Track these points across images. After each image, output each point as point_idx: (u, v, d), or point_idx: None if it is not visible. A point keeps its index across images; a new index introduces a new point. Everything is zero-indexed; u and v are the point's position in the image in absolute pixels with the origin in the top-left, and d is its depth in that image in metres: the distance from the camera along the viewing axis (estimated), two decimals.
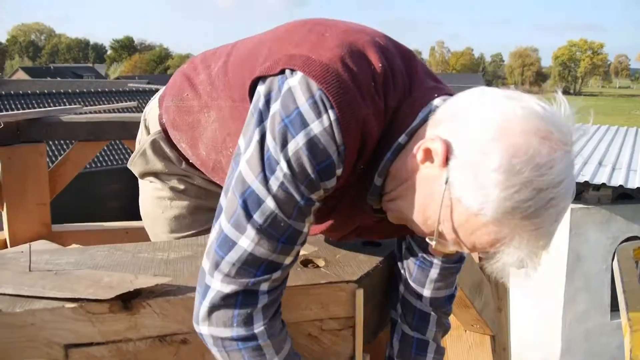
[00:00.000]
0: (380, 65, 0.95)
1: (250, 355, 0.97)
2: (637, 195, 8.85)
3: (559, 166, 0.84)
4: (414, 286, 1.22)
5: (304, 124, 0.89)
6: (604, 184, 8.64)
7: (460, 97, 0.95)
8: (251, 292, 0.95)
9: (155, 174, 1.40)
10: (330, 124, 0.89)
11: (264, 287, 0.95)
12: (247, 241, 0.93)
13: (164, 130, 1.35)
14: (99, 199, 13.69)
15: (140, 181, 1.47)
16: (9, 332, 0.98)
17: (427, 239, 0.96)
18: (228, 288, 0.94)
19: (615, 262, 1.86)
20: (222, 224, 0.95)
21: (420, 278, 1.21)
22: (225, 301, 0.95)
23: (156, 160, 1.38)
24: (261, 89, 0.97)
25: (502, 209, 0.84)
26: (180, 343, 1.06)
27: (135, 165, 1.43)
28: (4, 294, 1.03)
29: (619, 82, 77.22)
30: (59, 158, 3.83)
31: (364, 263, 1.21)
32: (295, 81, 0.91)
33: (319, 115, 0.89)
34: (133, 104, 4.34)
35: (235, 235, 0.93)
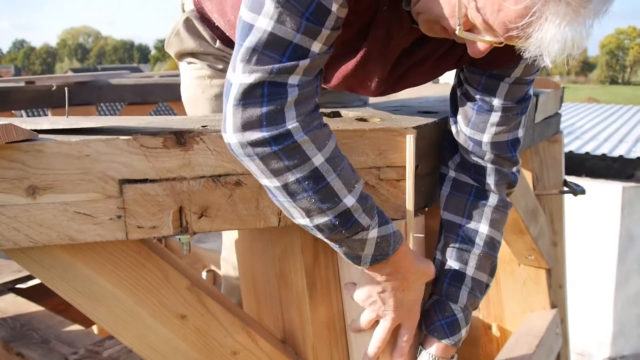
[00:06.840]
0: None
1: (288, 157, 0.87)
2: None
3: None
4: (472, 133, 1.13)
5: None
6: None
7: None
8: (277, 83, 0.85)
9: (192, 54, 1.40)
10: None
11: (293, 80, 0.86)
12: (265, 20, 0.84)
13: (198, 8, 1.34)
14: None
15: (180, 65, 1.47)
16: (65, 162, 0.97)
17: (457, 32, 0.87)
18: (250, 78, 0.85)
19: None
20: (241, 15, 0.88)
21: (479, 123, 1.12)
22: (250, 95, 0.85)
23: (190, 39, 1.37)
24: None
25: None
26: (234, 185, 1.04)
27: (170, 46, 1.42)
28: (42, 130, 1.00)
29: None
30: None
31: (421, 120, 1.16)
32: None
33: None
34: (178, 71, 4.38)
35: (253, 17, 0.85)
